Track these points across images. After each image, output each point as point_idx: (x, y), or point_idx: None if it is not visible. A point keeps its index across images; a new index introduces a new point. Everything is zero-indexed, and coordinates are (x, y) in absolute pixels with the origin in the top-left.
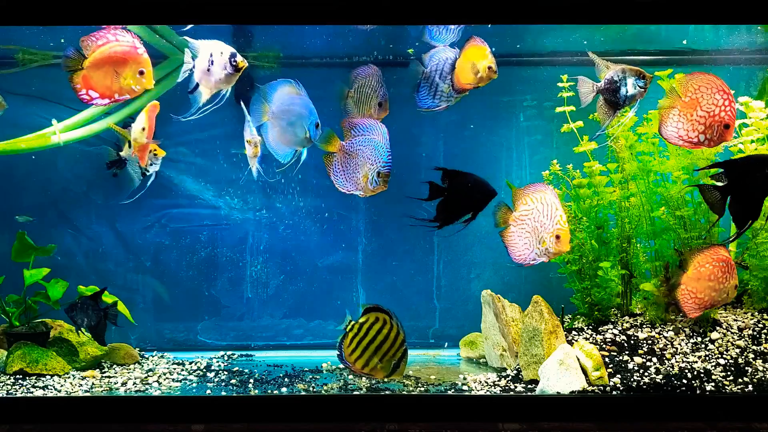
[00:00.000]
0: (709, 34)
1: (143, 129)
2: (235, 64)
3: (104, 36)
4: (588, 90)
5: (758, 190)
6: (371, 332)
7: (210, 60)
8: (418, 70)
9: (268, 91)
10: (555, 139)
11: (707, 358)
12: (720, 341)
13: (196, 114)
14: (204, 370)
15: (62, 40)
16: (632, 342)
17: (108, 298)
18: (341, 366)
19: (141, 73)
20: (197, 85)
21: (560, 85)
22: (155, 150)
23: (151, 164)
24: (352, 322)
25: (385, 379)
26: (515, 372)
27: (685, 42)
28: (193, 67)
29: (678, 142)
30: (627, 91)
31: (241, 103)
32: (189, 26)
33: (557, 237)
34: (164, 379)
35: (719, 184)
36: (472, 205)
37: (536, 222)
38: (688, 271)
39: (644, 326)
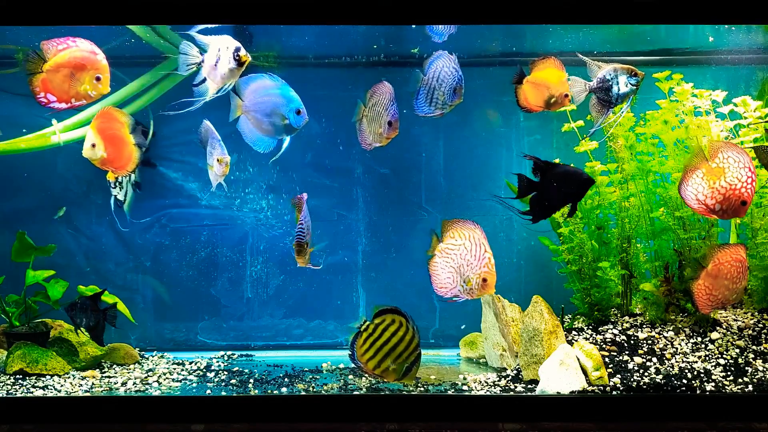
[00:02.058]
0: (709, 33)
1: (93, 145)
2: (238, 58)
3: (64, 41)
4: (580, 89)
5: None
6: (386, 334)
7: (218, 55)
8: (417, 77)
9: (240, 87)
10: (555, 139)
11: (707, 358)
12: (720, 341)
13: (199, 104)
14: (204, 370)
15: None
16: (632, 342)
17: (108, 298)
18: (341, 366)
19: (98, 79)
20: (204, 79)
21: None
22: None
23: (113, 186)
24: (367, 322)
25: (396, 382)
26: (515, 372)
27: (711, 39)
28: (202, 61)
29: (693, 204)
30: (619, 90)
31: (207, 122)
32: (200, 27)
33: (484, 280)
34: (164, 379)
35: None
36: (569, 197)
37: (462, 259)
38: (708, 266)
39: (644, 326)
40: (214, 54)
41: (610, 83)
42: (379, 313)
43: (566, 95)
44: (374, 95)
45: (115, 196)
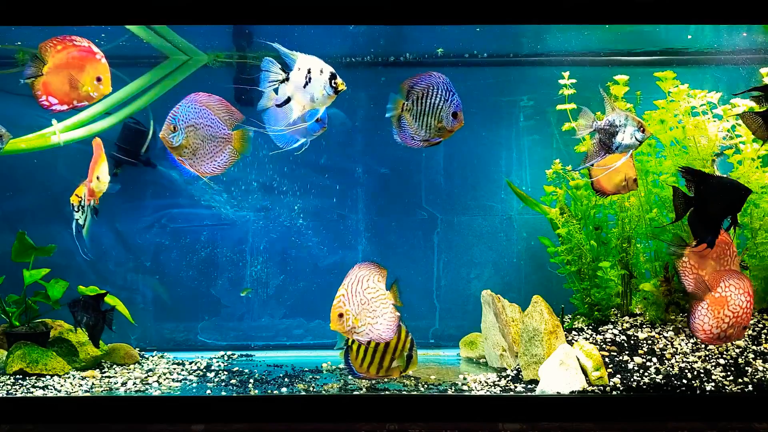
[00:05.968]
0: (709, 33)
1: (98, 178)
2: (335, 86)
3: (62, 41)
4: (587, 123)
5: None
6: None
7: (308, 76)
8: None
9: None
10: (555, 139)
11: (707, 358)
12: None
13: (286, 129)
14: (204, 370)
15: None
16: (632, 342)
17: (110, 299)
18: (341, 366)
19: (98, 80)
20: (289, 99)
21: (562, 82)
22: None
23: (76, 210)
24: None
25: (403, 375)
26: (515, 372)
27: (690, 37)
28: (286, 79)
29: (701, 335)
30: (623, 139)
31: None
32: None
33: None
34: (164, 379)
35: None
36: (728, 209)
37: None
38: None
39: (644, 326)
40: (303, 74)
41: (617, 129)
42: None
43: (635, 180)
44: (417, 86)
45: (77, 220)
